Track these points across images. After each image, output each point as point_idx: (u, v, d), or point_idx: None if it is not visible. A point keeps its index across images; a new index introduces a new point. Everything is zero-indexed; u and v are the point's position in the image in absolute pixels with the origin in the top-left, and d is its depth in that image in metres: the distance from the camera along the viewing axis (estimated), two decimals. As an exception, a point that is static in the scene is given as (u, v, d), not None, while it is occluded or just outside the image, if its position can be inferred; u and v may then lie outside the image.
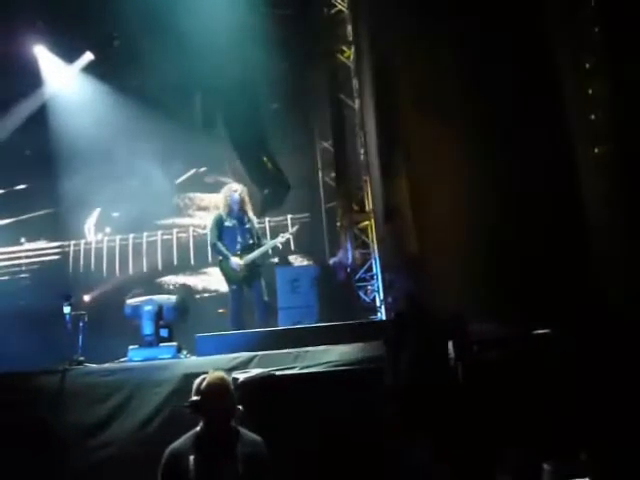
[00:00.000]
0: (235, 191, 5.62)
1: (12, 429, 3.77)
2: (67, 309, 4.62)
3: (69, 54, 8.46)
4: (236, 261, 5.47)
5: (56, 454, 3.82)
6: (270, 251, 6.20)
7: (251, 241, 5.60)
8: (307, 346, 4.18)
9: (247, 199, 5.70)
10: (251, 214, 5.78)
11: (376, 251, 7.03)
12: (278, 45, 7.69)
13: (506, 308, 4.44)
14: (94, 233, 9.51)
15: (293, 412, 3.64)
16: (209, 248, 6.08)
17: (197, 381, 2.75)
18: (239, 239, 5.55)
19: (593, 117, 4.38)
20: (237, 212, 5.57)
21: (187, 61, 7.72)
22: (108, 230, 9.55)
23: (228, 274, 5.57)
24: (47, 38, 8.19)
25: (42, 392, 3.98)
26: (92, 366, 4.36)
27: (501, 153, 5.05)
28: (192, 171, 9.48)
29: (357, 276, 6.95)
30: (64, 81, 8.58)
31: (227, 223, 5.56)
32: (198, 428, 2.68)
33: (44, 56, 8.39)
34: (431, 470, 2.83)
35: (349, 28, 7.69)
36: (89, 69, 8.53)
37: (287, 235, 5.94)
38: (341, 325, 5.09)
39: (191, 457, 2.58)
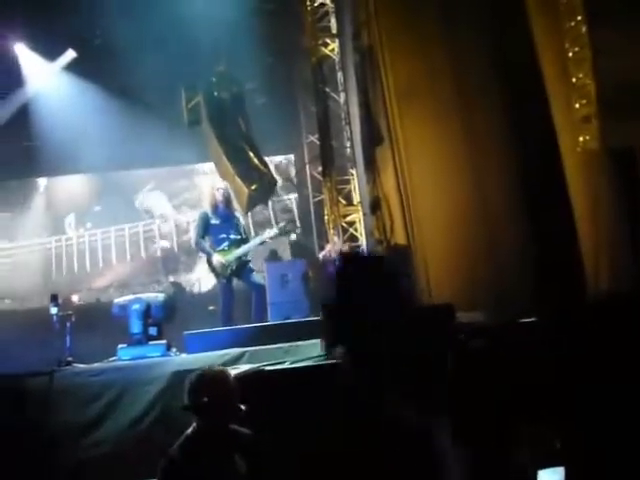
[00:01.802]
0: (219, 188, 5.65)
1: (1, 432, 3.75)
2: (54, 310, 4.59)
3: (50, 52, 8.39)
4: (218, 258, 5.49)
5: (48, 455, 3.80)
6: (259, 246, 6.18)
7: (238, 237, 5.61)
8: (298, 340, 4.20)
9: (232, 196, 5.72)
10: (237, 210, 5.81)
11: (365, 244, 7.05)
12: (262, 39, 7.67)
13: (491, 297, 4.47)
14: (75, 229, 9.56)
15: (284, 406, 3.64)
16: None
17: (191, 379, 2.49)
18: (225, 236, 5.55)
19: (577, 106, 4.41)
20: (222, 209, 5.59)
21: (171, 58, 7.67)
22: (89, 225, 9.58)
23: (216, 270, 5.59)
24: (27, 36, 8.11)
25: (31, 394, 3.96)
26: (81, 366, 4.34)
27: (488, 145, 5.09)
28: (175, 167, 9.48)
29: (346, 269, 6.95)
30: (46, 79, 8.52)
31: (213, 221, 5.58)
32: (190, 430, 2.44)
33: (25, 54, 8.31)
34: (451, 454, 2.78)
35: (333, 21, 7.67)
36: (71, 67, 8.48)
37: (274, 231, 5.94)
38: (331, 319, 5.09)
39: (191, 465, 2.37)
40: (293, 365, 3.92)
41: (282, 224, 6.40)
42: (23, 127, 8.60)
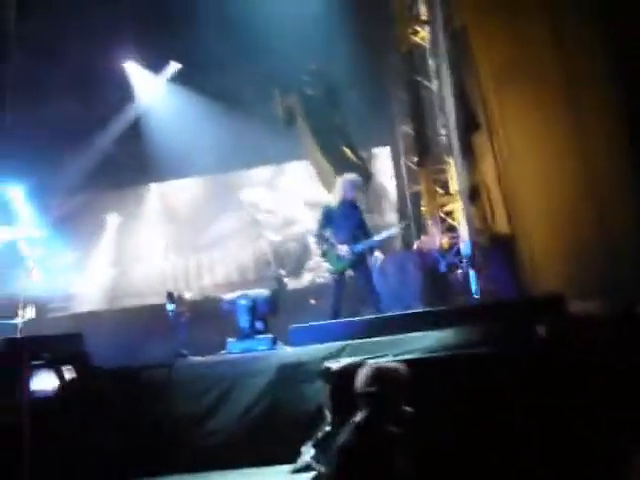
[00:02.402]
0: (348, 181, 5.51)
1: (126, 419, 4.07)
2: (170, 306, 4.93)
3: (156, 65, 9.00)
4: (342, 248, 5.34)
5: (168, 441, 4.08)
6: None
7: (359, 231, 5.44)
8: (400, 333, 4.18)
9: (359, 189, 5.58)
10: (360, 205, 5.63)
11: (464, 234, 6.87)
12: (351, 33, 7.69)
13: (605, 284, 4.19)
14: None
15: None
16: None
17: (367, 369, 2.54)
18: (346, 229, 5.41)
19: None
20: (348, 202, 5.46)
21: (264, 58, 7.92)
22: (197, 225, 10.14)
23: (332, 262, 5.50)
24: (135, 53, 8.75)
25: (152, 384, 4.27)
26: (196, 359, 4.62)
27: (597, 127, 4.75)
28: (278, 165, 9.78)
29: (446, 260, 6.83)
30: (153, 91, 9.15)
31: (336, 213, 5.45)
32: (358, 420, 2.48)
33: (134, 70, 8.99)
34: None
35: (422, 7, 7.53)
36: (175, 76, 9.04)
37: (397, 228, 5.77)
38: (433, 311, 5.03)
39: (359, 454, 2.40)
40: (397, 358, 3.90)
41: (403, 224, 6.07)
42: (135, 138, 9.28)
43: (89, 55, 8.19)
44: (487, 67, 5.32)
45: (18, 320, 5.22)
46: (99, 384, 4.11)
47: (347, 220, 5.45)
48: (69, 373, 4.00)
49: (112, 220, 10.63)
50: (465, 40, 5.82)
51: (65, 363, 4.02)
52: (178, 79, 9.09)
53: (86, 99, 8.67)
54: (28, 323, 5.40)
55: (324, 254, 5.56)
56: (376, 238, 5.48)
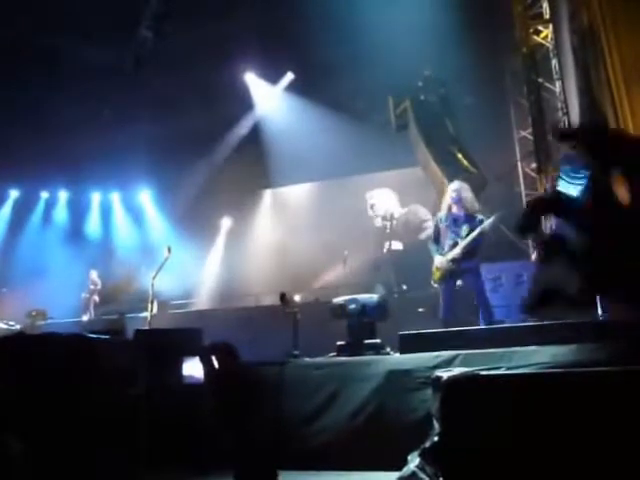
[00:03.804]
0: (452, 191, 5.54)
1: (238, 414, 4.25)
2: (282, 307, 5.09)
3: (273, 76, 9.41)
4: (438, 259, 5.43)
5: (278, 439, 4.21)
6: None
7: (457, 240, 5.41)
8: (513, 346, 4.01)
9: (465, 197, 5.51)
10: (471, 211, 5.52)
11: (588, 244, 6.41)
12: (465, 37, 7.53)
13: None
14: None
15: (499, 414, 3.50)
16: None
17: None
18: (452, 238, 5.46)
19: None
20: (454, 211, 5.49)
21: (377, 67, 7.98)
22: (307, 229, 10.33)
23: (434, 272, 5.57)
24: (255, 65, 9.21)
25: (265, 381, 4.44)
26: (306, 360, 4.72)
27: None
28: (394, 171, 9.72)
29: (567, 272, 6.41)
30: (270, 101, 9.58)
31: (443, 223, 5.53)
32: None
33: (253, 82, 9.48)
34: None
35: (545, 6, 7.20)
36: (290, 87, 9.40)
37: (489, 222, 5.49)
38: (551, 324, 4.76)
39: None
40: (511, 371, 3.74)
41: (495, 216, 5.71)
42: (252, 146, 9.75)
43: (212, 70, 8.74)
44: (617, 65, 4.96)
45: (147, 314, 5.67)
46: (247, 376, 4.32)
47: (453, 229, 5.46)
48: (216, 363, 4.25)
49: (226, 224, 11.19)
50: (593, 38, 5.47)
51: (212, 354, 4.28)
52: (293, 88, 9.43)
53: (209, 110, 9.26)
54: (153, 317, 5.84)
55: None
56: (465, 241, 5.36)
